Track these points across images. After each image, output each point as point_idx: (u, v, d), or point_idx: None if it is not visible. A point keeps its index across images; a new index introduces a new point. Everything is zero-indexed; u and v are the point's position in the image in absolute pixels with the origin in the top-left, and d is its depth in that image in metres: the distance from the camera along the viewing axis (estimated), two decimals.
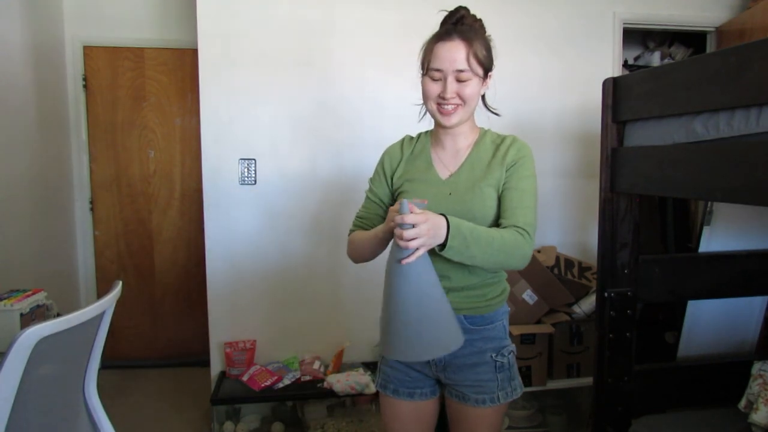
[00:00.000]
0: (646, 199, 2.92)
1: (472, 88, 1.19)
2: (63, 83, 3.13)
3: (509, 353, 1.29)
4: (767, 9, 2.54)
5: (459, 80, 1.17)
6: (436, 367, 1.27)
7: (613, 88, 1.75)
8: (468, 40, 1.17)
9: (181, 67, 3.27)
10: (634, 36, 3.31)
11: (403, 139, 1.37)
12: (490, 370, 1.26)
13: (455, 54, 1.16)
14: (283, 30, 2.53)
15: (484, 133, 1.31)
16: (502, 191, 1.22)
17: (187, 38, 3.12)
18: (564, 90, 2.74)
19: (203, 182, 2.55)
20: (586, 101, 2.65)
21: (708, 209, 2.29)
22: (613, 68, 2.76)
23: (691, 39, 3.18)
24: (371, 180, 1.37)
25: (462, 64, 1.16)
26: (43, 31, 2.90)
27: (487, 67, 1.21)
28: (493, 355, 1.26)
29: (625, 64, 3.17)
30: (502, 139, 1.28)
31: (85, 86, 3.21)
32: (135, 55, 3.24)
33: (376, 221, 1.31)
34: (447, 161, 1.28)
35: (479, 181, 1.22)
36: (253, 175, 2.55)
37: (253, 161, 2.54)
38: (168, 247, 3.38)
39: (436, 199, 1.21)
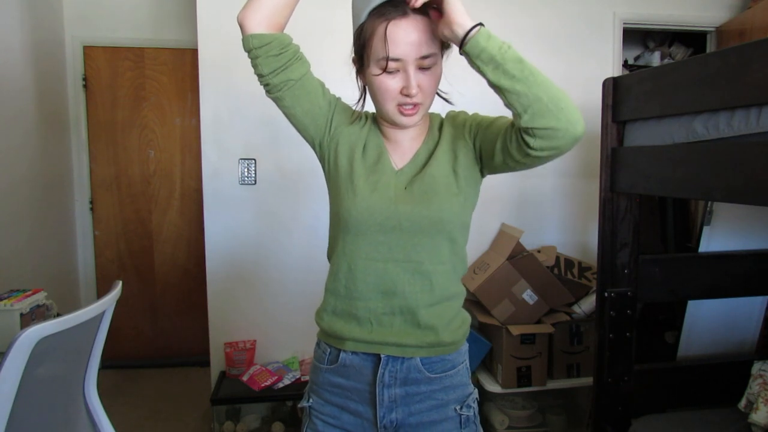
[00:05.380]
0: (646, 199, 2.92)
1: (436, 75, 0.94)
2: (63, 83, 3.13)
3: (474, 402, 1.05)
4: (767, 9, 2.54)
5: (421, 68, 0.91)
6: (385, 429, 1.00)
7: (613, 88, 1.75)
8: (424, 13, 0.90)
9: (181, 67, 3.27)
10: (634, 36, 3.31)
11: (362, 117, 1.07)
12: (454, 426, 1.01)
13: (414, 35, 0.89)
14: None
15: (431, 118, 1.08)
16: (481, 137, 0.98)
17: (187, 38, 3.12)
18: (564, 90, 2.73)
19: (203, 182, 2.54)
20: (586, 101, 2.63)
21: (708, 209, 2.29)
22: (613, 68, 2.76)
23: (691, 39, 3.18)
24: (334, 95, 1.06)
25: (427, 47, 0.89)
26: (43, 31, 2.90)
27: (446, 43, 0.95)
28: (458, 407, 1.01)
29: (625, 64, 3.17)
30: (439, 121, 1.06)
31: (85, 86, 3.21)
32: (135, 55, 3.24)
33: (306, 69, 0.98)
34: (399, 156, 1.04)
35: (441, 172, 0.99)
36: (253, 175, 2.55)
37: (253, 161, 2.54)
38: (168, 247, 3.37)
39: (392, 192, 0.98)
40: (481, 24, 0.84)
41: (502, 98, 0.86)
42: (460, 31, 0.84)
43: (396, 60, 0.89)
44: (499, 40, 0.83)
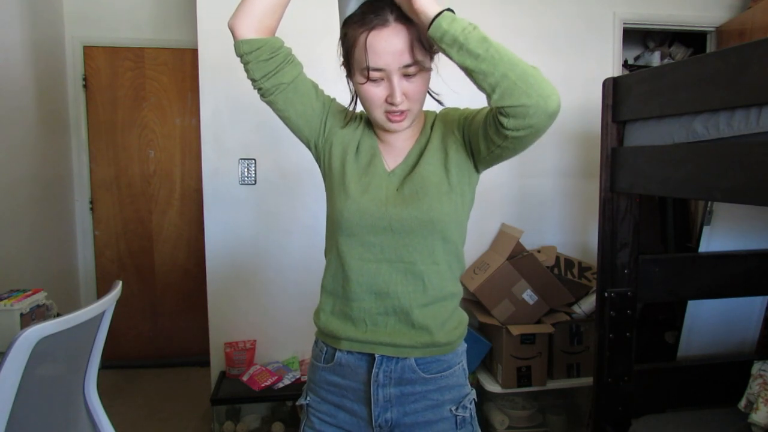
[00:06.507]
0: (646, 199, 2.92)
1: (423, 81, 0.93)
2: (63, 83, 3.13)
3: (471, 402, 1.03)
4: (767, 9, 2.54)
5: (406, 75, 0.91)
6: (380, 428, 1.00)
7: (613, 88, 1.75)
8: (406, 20, 0.88)
9: (181, 67, 3.27)
10: (634, 36, 3.31)
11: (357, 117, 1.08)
12: (449, 427, 1.00)
13: (396, 44, 0.87)
14: (282, 29, 2.51)
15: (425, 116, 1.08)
16: (468, 128, 0.98)
17: (187, 38, 3.12)
18: (564, 90, 2.68)
19: (203, 182, 2.55)
20: (586, 101, 2.65)
21: (708, 209, 2.29)
22: (613, 68, 2.76)
23: (691, 39, 3.18)
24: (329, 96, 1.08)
25: (409, 56, 0.88)
26: (43, 31, 2.90)
27: (433, 49, 0.93)
28: (453, 408, 1.00)
29: (625, 64, 3.17)
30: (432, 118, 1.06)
31: (85, 86, 3.21)
32: (135, 55, 3.24)
33: (298, 72, 1.00)
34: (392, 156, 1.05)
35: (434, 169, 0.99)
36: (253, 175, 2.55)
37: (253, 161, 2.54)
38: (168, 247, 3.38)
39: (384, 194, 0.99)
40: (449, 9, 0.83)
41: (472, 81, 0.85)
42: (425, 18, 0.83)
43: (378, 70, 0.89)
44: (464, 22, 0.82)
